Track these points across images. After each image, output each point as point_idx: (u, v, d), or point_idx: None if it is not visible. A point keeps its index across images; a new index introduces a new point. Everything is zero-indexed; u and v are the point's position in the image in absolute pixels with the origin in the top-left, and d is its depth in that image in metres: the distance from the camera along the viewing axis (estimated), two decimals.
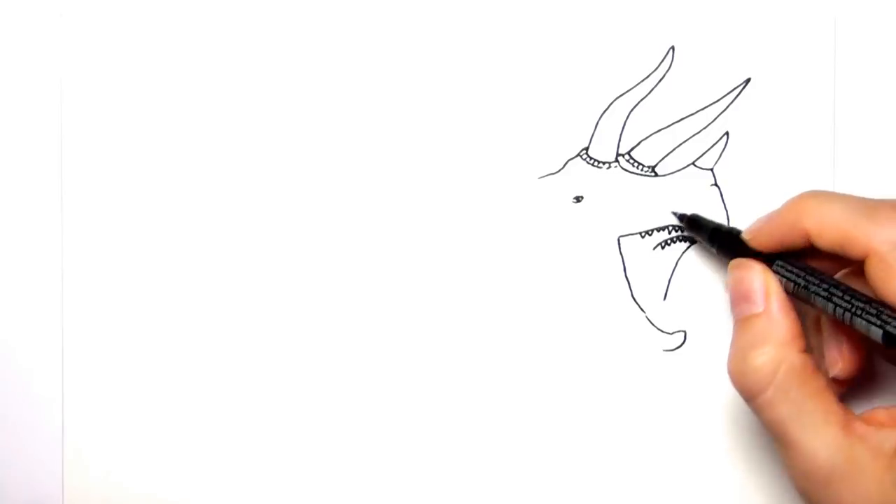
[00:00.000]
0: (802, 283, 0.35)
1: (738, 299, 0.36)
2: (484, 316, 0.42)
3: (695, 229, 0.40)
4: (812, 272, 0.35)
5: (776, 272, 0.36)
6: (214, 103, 0.43)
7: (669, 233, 0.42)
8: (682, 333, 0.42)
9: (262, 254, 0.43)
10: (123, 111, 0.43)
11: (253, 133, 0.43)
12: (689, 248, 0.42)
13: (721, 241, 0.39)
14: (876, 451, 0.32)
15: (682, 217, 0.41)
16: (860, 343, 0.36)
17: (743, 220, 0.41)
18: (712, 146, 0.41)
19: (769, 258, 0.36)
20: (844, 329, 0.35)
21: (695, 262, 0.42)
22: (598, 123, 0.41)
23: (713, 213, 0.41)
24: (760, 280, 0.36)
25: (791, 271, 0.35)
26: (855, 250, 0.33)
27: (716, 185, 0.41)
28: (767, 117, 0.41)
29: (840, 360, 0.37)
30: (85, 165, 0.43)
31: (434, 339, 0.42)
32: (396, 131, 0.42)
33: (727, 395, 0.41)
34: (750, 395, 0.34)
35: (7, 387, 0.44)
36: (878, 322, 0.32)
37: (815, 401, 0.33)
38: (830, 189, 0.41)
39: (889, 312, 0.32)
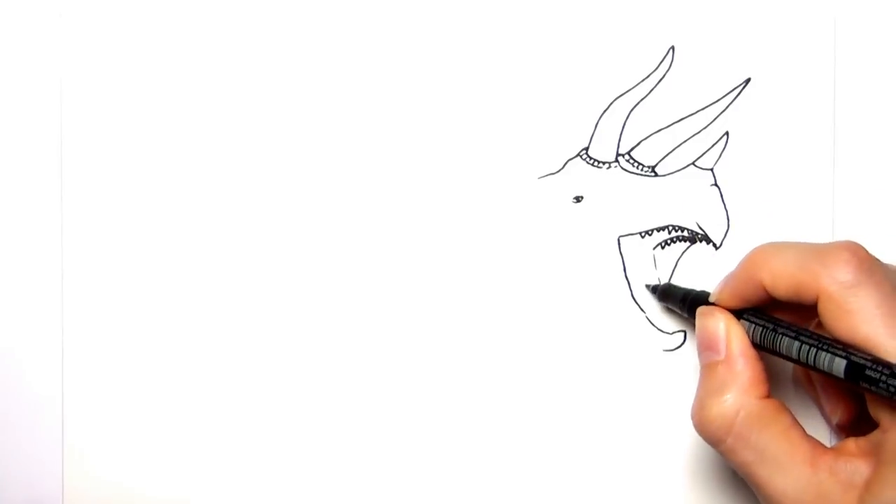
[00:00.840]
0: (771, 326, 0.35)
1: (702, 346, 0.37)
2: (484, 316, 0.42)
3: (666, 298, 0.41)
4: (779, 321, 0.35)
5: (746, 320, 0.36)
6: (214, 103, 0.43)
7: (669, 233, 0.42)
8: (682, 333, 0.42)
9: (261, 254, 0.43)
10: (123, 111, 0.43)
11: (253, 133, 0.43)
12: (689, 248, 0.42)
13: (691, 305, 0.39)
14: (846, 484, 0.32)
15: (654, 288, 0.41)
16: (846, 388, 0.37)
17: (743, 220, 0.41)
18: (712, 146, 0.41)
19: (738, 314, 0.37)
20: (829, 378, 0.36)
21: (695, 262, 0.42)
22: (598, 123, 0.41)
23: (713, 213, 0.41)
24: (723, 327, 0.36)
25: (759, 319, 0.36)
26: (807, 294, 0.34)
27: (716, 185, 0.41)
28: (767, 117, 0.41)
29: (838, 409, 0.38)
30: (85, 165, 0.43)
31: (434, 339, 0.42)
32: (396, 131, 0.42)
33: None
34: (713, 441, 0.35)
35: (7, 387, 0.44)
36: (844, 354, 0.32)
37: (777, 442, 0.34)
38: (830, 189, 0.41)
39: (851, 349, 0.32)
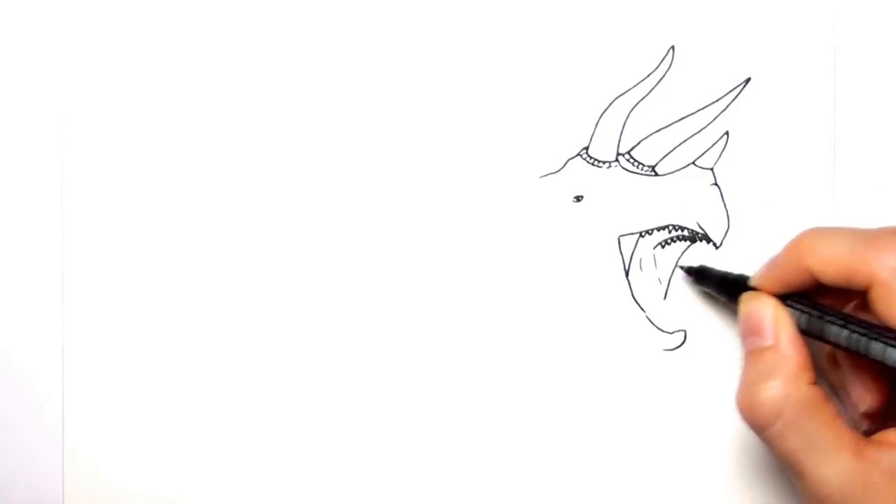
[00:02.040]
0: (817, 314, 0.35)
1: (748, 332, 0.36)
2: (484, 315, 0.42)
3: (702, 280, 0.41)
4: (824, 307, 0.35)
5: (791, 306, 0.36)
6: (215, 104, 0.43)
7: (669, 232, 0.42)
8: (682, 333, 0.42)
9: (261, 254, 0.43)
10: (123, 111, 0.43)
11: (253, 134, 0.43)
12: (689, 247, 0.42)
13: (730, 290, 0.39)
14: (889, 474, 0.32)
15: (689, 270, 0.41)
16: (881, 375, 0.37)
17: (743, 219, 0.41)
18: (712, 146, 0.41)
19: (781, 299, 0.36)
20: (863, 364, 0.35)
21: (695, 262, 0.42)
22: (598, 123, 0.41)
23: (713, 213, 0.41)
24: (771, 313, 0.36)
25: (805, 306, 0.36)
26: (858, 280, 0.33)
27: (716, 184, 0.41)
28: (767, 117, 0.41)
29: (867, 396, 0.37)
30: (85, 165, 0.43)
31: (434, 339, 0.42)
32: (397, 131, 0.42)
33: (727, 394, 0.41)
34: (759, 427, 0.35)
35: (7, 387, 0.44)
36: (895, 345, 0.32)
37: (825, 430, 0.33)
38: (830, 188, 0.41)
39: None
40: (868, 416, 0.37)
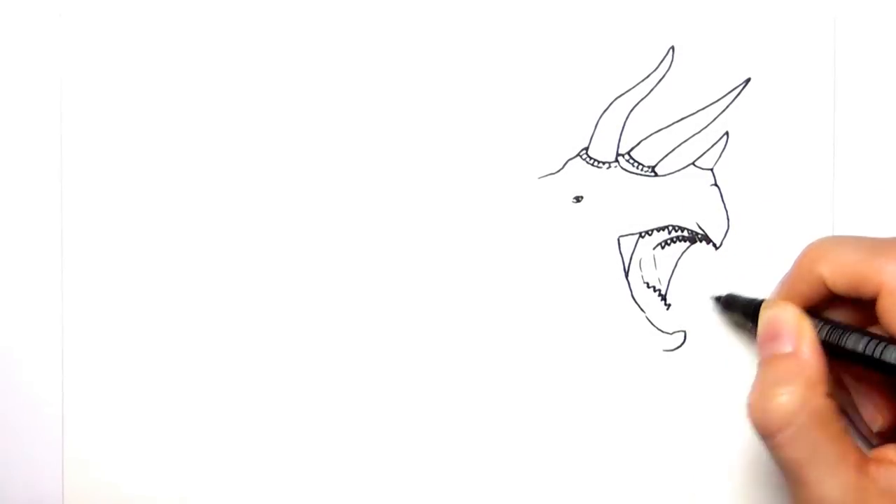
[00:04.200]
0: (837, 325, 0.35)
1: (768, 338, 0.36)
2: (484, 316, 0.42)
3: (729, 308, 0.40)
4: (841, 323, 0.35)
5: (811, 316, 0.36)
6: (214, 103, 0.43)
7: (669, 233, 0.42)
8: (682, 333, 0.42)
9: (261, 254, 0.43)
10: (123, 111, 0.43)
11: (253, 133, 0.43)
12: (689, 247, 0.42)
13: (753, 313, 0.38)
14: (884, 491, 0.32)
15: (718, 299, 0.41)
16: (892, 394, 0.37)
17: (743, 219, 0.41)
18: (712, 146, 0.41)
19: None
20: (874, 384, 0.35)
21: (695, 262, 0.42)
22: (597, 123, 0.41)
23: (713, 213, 0.41)
24: (794, 320, 0.35)
25: (822, 317, 0.36)
26: (868, 288, 0.34)
27: (716, 184, 0.41)
28: (767, 117, 0.41)
29: (879, 416, 0.37)
30: (85, 165, 0.43)
31: (434, 339, 0.42)
32: (397, 131, 0.42)
33: (727, 395, 0.41)
34: (768, 432, 0.34)
35: (7, 387, 0.44)
36: None
37: (833, 443, 0.33)
38: (830, 188, 0.41)
39: None
40: (881, 434, 0.38)
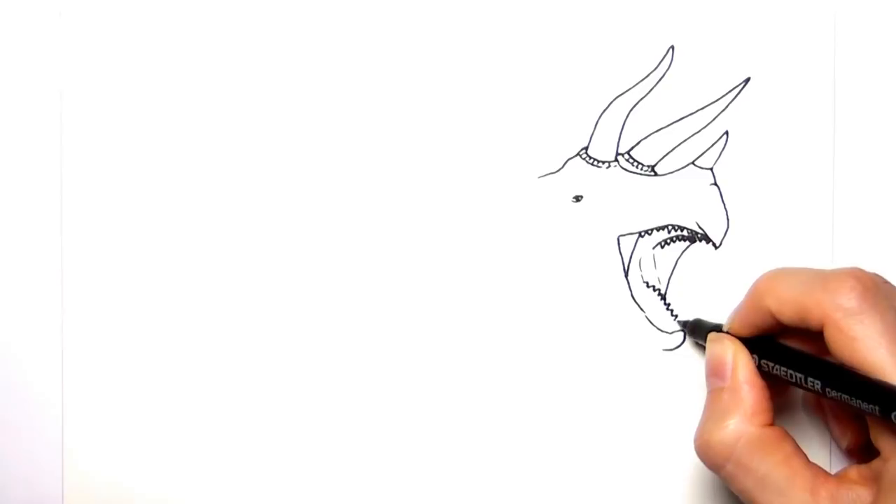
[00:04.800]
0: (779, 354, 0.36)
1: (709, 372, 0.37)
2: (484, 315, 0.42)
3: (696, 334, 0.41)
4: (788, 348, 0.36)
5: (756, 348, 0.36)
6: (214, 103, 0.43)
7: (669, 232, 0.42)
8: (682, 333, 0.42)
9: (261, 254, 0.43)
10: (123, 111, 0.43)
11: (253, 133, 0.43)
12: (688, 247, 0.42)
13: (707, 335, 0.39)
14: None
15: (684, 323, 0.41)
16: (856, 413, 0.37)
17: (743, 219, 0.41)
18: (712, 146, 0.41)
19: (751, 342, 0.37)
20: (841, 405, 0.35)
21: (695, 262, 0.42)
22: (597, 123, 0.41)
23: (713, 213, 0.41)
24: (730, 354, 0.37)
25: (768, 347, 0.36)
26: (813, 320, 0.34)
27: (715, 184, 0.41)
28: (767, 117, 0.41)
29: (847, 434, 0.38)
30: (85, 165, 0.43)
31: (434, 339, 0.42)
32: (396, 131, 0.42)
33: None
34: (713, 467, 0.35)
35: (7, 387, 0.44)
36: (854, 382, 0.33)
37: (778, 469, 0.34)
38: (829, 188, 0.41)
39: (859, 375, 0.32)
40: (850, 452, 0.38)
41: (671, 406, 0.42)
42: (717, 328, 0.39)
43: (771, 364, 0.36)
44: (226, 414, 0.43)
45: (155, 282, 0.43)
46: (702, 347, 0.41)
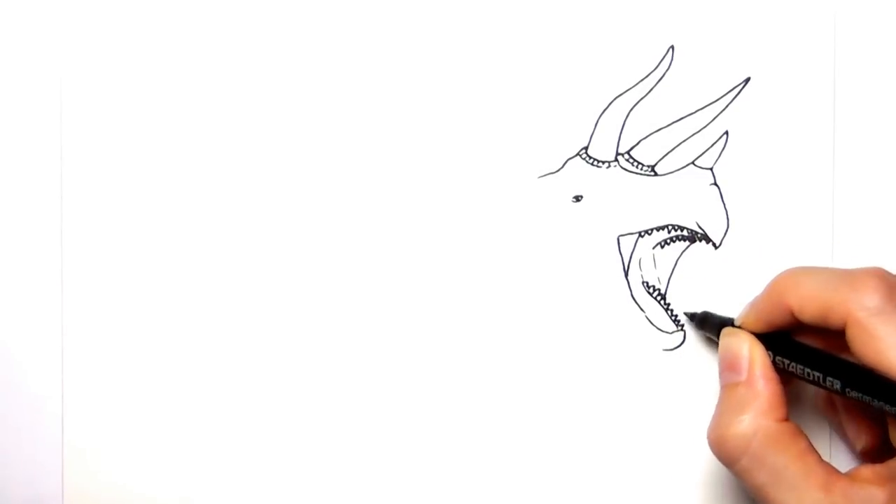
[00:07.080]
0: (796, 351, 0.35)
1: (725, 367, 0.37)
2: (484, 315, 0.42)
3: (704, 326, 0.41)
4: (803, 345, 0.36)
5: (771, 344, 0.36)
6: (214, 103, 0.43)
7: (669, 232, 0.42)
8: (682, 333, 0.42)
9: (261, 254, 0.43)
10: (123, 111, 0.43)
11: (253, 133, 0.43)
12: (688, 247, 0.42)
13: (719, 329, 0.39)
14: None
15: (692, 316, 0.41)
16: (871, 416, 0.37)
17: (743, 219, 0.41)
18: (712, 145, 0.41)
19: (763, 337, 0.37)
20: (856, 405, 0.35)
21: (695, 262, 0.42)
22: (597, 123, 0.41)
23: (713, 213, 0.41)
24: (746, 348, 0.36)
25: (784, 344, 0.36)
26: (835, 319, 0.34)
27: (715, 184, 0.41)
28: (767, 117, 0.41)
29: (862, 435, 0.38)
30: (85, 165, 0.43)
31: (434, 339, 0.42)
32: (396, 131, 0.42)
33: None
34: (728, 460, 0.35)
35: (7, 387, 0.44)
36: (871, 380, 0.32)
37: (795, 465, 0.34)
38: (830, 188, 0.41)
39: (879, 375, 0.32)
40: (865, 453, 0.38)
41: (671, 406, 0.42)
42: (728, 322, 0.39)
43: (787, 361, 0.36)
44: (226, 414, 0.43)
45: (155, 281, 0.43)
46: (707, 341, 0.41)
